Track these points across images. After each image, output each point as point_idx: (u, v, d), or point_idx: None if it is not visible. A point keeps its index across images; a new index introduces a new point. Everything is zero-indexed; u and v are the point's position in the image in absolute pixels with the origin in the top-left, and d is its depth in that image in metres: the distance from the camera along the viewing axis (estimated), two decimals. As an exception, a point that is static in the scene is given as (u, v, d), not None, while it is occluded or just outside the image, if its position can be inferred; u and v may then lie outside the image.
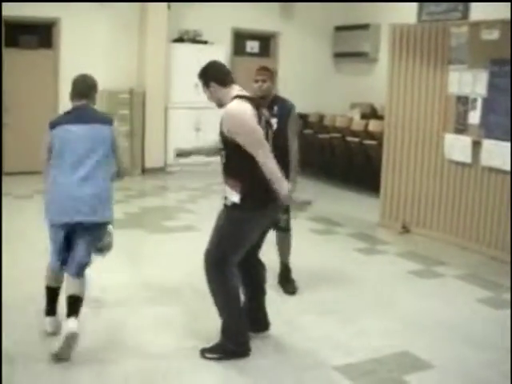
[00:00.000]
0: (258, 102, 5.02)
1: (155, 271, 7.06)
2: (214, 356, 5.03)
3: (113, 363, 4.90)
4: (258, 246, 5.32)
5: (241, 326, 5.07)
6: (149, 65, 12.86)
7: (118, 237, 8.19)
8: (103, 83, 12.21)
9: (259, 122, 4.84)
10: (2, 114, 12.06)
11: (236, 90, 5.00)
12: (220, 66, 5.16)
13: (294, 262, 7.08)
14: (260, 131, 4.80)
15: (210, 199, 10.66)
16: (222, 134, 4.85)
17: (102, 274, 6.46)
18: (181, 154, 13.24)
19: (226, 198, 4.96)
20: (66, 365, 4.76)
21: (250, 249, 5.12)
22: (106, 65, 12.54)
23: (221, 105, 4.97)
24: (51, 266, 5.19)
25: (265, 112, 5.05)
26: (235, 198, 4.86)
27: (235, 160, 4.86)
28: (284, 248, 6.73)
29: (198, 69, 5.13)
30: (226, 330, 5.06)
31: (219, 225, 5.03)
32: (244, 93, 5.00)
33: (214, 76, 5.00)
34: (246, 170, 4.83)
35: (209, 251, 5.05)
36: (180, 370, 4.87)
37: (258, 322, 5.46)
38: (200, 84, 5.07)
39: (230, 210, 4.93)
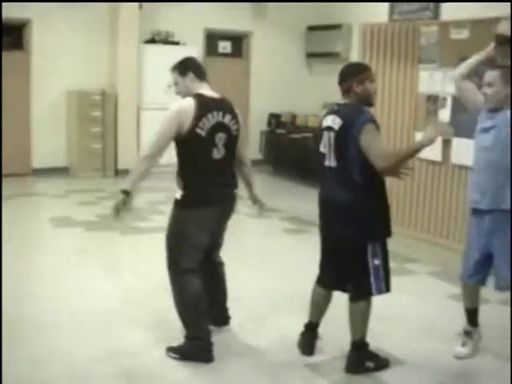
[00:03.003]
0: (217, 103, 5.00)
1: (128, 273, 7.06)
2: (175, 356, 5.04)
3: (95, 362, 4.91)
4: (216, 245, 5.35)
5: (201, 333, 5.04)
6: (121, 66, 12.82)
7: (92, 239, 8.27)
8: (74, 85, 12.34)
9: (196, 123, 4.81)
10: (1, 116, 12.08)
11: (205, 88, 5.03)
12: (199, 61, 5.22)
13: (268, 261, 7.11)
14: (167, 135, 4.85)
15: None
16: None
17: (76, 277, 6.48)
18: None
19: (176, 199, 5.04)
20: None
21: (207, 248, 5.15)
22: (77, 66, 12.50)
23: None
24: None
25: (224, 116, 5.00)
26: (178, 194, 4.94)
27: (178, 156, 4.96)
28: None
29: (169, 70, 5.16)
30: (187, 336, 5.07)
31: (167, 228, 5.09)
32: (209, 92, 5.01)
33: (194, 66, 5.06)
34: (186, 167, 4.92)
35: (167, 262, 5.09)
36: (151, 368, 4.88)
37: (220, 317, 5.53)
38: (173, 76, 5.07)
39: (174, 206, 5.02)
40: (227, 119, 5.00)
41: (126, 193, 4.90)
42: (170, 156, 5.09)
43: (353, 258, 4.85)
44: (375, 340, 5.13)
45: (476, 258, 5.09)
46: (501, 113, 4.96)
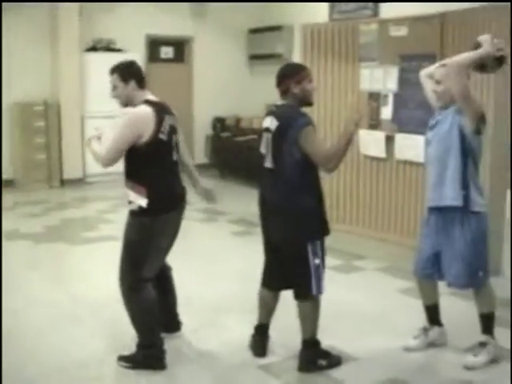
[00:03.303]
0: (164, 108, 5.01)
1: (78, 284, 7.01)
2: (127, 365, 5.00)
3: (43, 376, 4.87)
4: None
5: (155, 341, 5.02)
6: (62, 75, 12.71)
7: (39, 251, 8.19)
8: (16, 96, 12.21)
9: (159, 128, 4.81)
10: (1, 118, 12.04)
11: (148, 94, 5.01)
12: (141, 68, 5.14)
13: (217, 265, 7.11)
14: (126, 140, 4.75)
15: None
16: None
17: (26, 289, 6.42)
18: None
19: (130, 202, 4.91)
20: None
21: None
22: (18, 76, 12.36)
23: (126, 104, 4.95)
24: None
25: (172, 119, 5.02)
26: (142, 202, 4.82)
27: (138, 163, 4.86)
28: None
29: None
30: (139, 344, 5.04)
31: (127, 238, 4.96)
32: (153, 99, 5.00)
33: (136, 74, 4.99)
34: (151, 173, 4.84)
35: (121, 273, 5.00)
36: (104, 379, 4.87)
37: (171, 323, 5.53)
38: (113, 80, 4.99)
39: (136, 215, 4.89)
40: (174, 122, 5.04)
41: None
42: (116, 165, 5.04)
43: (294, 258, 4.89)
44: (327, 338, 5.16)
45: (428, 254, 5.15)
46: (448, 109, 4.98)
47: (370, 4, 11.90)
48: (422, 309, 5.60)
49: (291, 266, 4.93)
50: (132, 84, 4.95)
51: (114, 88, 5.01)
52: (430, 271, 5.17)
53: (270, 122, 4.87)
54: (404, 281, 7.05)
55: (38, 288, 6.78)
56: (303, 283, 4.89)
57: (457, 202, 4.88)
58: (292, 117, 4.78)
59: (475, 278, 4.99)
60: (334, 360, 5.08)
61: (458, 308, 6.04)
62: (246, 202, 11.04)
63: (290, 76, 4.89)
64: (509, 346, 5.35)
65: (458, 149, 4.86)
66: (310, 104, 4.96)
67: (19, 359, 5.13)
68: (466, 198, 4.87)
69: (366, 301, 6.49)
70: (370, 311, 6.20)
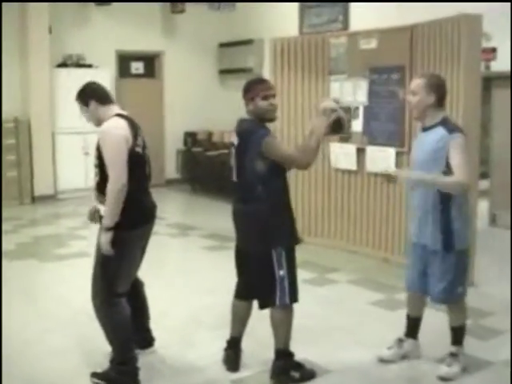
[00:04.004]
0: (134, 122, 4.99)
1: (50, 301, 6.95)
2: (100, 382, 4.94)
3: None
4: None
5: (129, 357, 4.97)
6: (33, 91, 12.65)
7: (10, 269, 8.12)
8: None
9: (135, 142, 4.83)
10: (1, 122, 12.01)
11: (116, 109, 5.00)
12: (98, 85, 5.10)
13: (190, 280, 7.08)
14: (123, 154, 4.71)
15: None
16: (97, 149, 4.82)
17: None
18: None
19: (101, 217, 4.85)
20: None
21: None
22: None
23: (100, 124, 4.92)
24: None
25: (142, 133, 5.01)
26: None
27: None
28: None
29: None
30: (113, 360, 4.99)
31: (100, 254, 4.85)
32: (124, 112, 5.00)
33: (93, 94, 4.97)
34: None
35: (94, 289, 4.96)
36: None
37: (144, 339, 5.48)
38: (79, 106, 5.00)
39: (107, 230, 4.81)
40: (143, 137, 5.03)
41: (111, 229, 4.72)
42: (86, 180, 5.01)
43: (259, 269, 4.91)
44: (300, 351, 5.15)
45: (415, 273, 5.18)
46: (431, 131, 4.94)
47: (340, 17, 11.98)
48: (394, 320, 5.61)
49: (256, 277, 4.96)
50: (93, 104, 4.94)
51: (82, 113, 5.06)
52: (418, 287, 5.18)
53: (234, 137, 4.93)
54: (375, 293, 7.08)
55: (6, 305, 6.70)
56: (267, 293, 4.89)
57: (435, 246, 4.93)
58: (250, 131, 4.82)
59: (454, 293, 5.03)
60: (307, 373, 5.06)
61: (429, 319, 6.05)
62: (217, 216, 11.04)
63: (245, 92, 4.96)
64: (479, 355, 5.39)
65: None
66: (269, 120, 4.96)
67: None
68: (446, 241, 4.90)
69: (337, 313, 6.49)
70: (341, 323, 6.20)
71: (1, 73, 12.21)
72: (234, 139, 4.93)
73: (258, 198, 4.80)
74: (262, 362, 5.21)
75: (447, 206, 4.85)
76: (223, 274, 7.86)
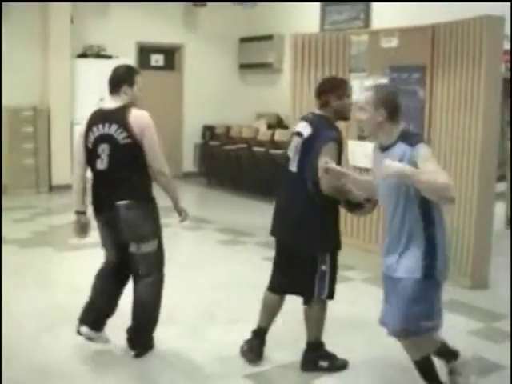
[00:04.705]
0: (106, 114, 5.16)
1: (64, 289, 6.97)
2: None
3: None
4: (127, 258, 5.30)
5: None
6: (52, 81, 12.69)
7: (26, 257, 8.16)
8: (5, 101, 12.15)
9: (86, 137, 5.16)
10: (1, 121, 12.09)
11: (107, 100, 5.31)
12: (112, 74, 5.31)
13: (203, 273, 7.09)
14: (75, 147, 5.29)
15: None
16: None
17: (11, 295, 6.38)
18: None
19: None
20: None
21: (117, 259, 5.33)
22: (7, 81, 12.31)
23: None
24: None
25: (110, 126, 5.09)
26: None
27: None
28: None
29: (102, 84, 5.17)
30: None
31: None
32: (108, 104, 5.25)
33: (108, 82, 5.29)
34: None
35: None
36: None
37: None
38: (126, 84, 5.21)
39: None
40: (112, 129, 5.04)
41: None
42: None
43: (303, 266, 5.00)
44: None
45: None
46: (391, 150, 4.25)
47: (362, 15, 11.95)
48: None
49: (298, 272, 5.04)
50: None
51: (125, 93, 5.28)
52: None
53: (304, 128, 4.97)
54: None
55: (21, 294, 6.73)
56: (308, 287, 5.00)
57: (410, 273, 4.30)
58: (323, 128, 4.91)
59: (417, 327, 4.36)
60: (337, 363, 5.18)
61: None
62: (232, 210, 11.06)
63: (332, 90, 5.03)
64: (491, 358, 5.37)
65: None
66: (346, 119, 5.16)
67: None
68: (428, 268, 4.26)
69: (352, 311, 6.48)
70: (355, 321, 6.19)
71: (0, 63, 12.22)
72: (303, 129, 4.97)
73: (309, 196, 4.86)
74: (276, 358, 5.23)
75: (429, 223, 4.20)
76: (237, 268, 7.94)
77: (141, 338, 5.29)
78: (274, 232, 5.26)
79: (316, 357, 5.13)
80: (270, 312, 5.29)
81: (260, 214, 11.07)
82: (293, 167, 4.98)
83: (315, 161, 4.77)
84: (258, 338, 5.30)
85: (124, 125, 5.01)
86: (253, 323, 5.97)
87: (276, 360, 5.23)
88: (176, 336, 5.67)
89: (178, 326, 5.90)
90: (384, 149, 4.30)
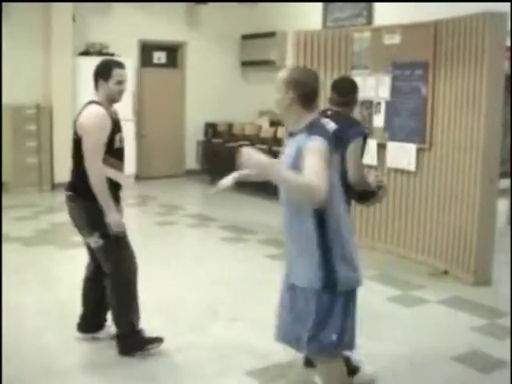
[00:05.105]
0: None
1: (66, 287, 6.98)
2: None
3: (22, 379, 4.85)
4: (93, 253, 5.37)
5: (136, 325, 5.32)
6: (55, 79, 12.70)
7: (29, 255, 8.16)
8: (8, 99, 12.16)
9: None
10: (1, 119, 12.14)
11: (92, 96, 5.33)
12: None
13: (206, 270, 7.08)
14: None
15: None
16: None
17: (13, 293, 6.39)
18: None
19: None
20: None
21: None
22: (10, 80, 12.33)
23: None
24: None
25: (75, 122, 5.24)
26: None
27: None
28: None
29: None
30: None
31: None
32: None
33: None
34: None
35: None
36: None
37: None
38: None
39: None
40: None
41: None
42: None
43: None
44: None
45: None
46: (295, 138, 3.89)
47: (364, 12, 11.94)
48: (408, 316, 5.60)
49: None
50: None
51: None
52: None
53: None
54: (392, 289, 7.07)
55: (24, 291, 6.74)
56: None
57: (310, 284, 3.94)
58: (351, 124, 5.22)
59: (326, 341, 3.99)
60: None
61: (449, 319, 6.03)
62: (236, 208, 11.06)
63: (356, 91, 5.44)
64: (495, 355, 5.36)
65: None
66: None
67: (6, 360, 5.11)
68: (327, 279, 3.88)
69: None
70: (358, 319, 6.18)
71: (0, 62, 12.22)
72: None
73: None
74: (277, 356, 5.22)
75: (323, 232, 3.82)
76: (239, 265, 7.94)
77: (118, 338, 5.27)
78: None
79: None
80: None
81: (263, 212, 11.10)
82: None
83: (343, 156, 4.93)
84: None
85: (76, 121, 5.17)
86: (255, 320, 6.00)
87: (278, 357, 5.22)
88: (179, 332, 5.67)
89: (181, 322, 5.90)
90: (291, 135, 3.95)
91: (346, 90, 5.39)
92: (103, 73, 5.14)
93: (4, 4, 11.81)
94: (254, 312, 6.26)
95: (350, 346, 4.06)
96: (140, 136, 13.84)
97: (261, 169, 3.64)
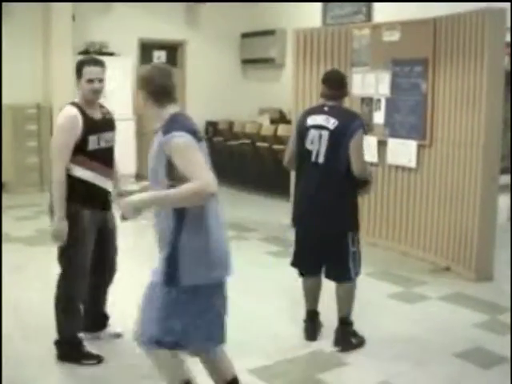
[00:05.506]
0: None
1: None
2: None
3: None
4: None
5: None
6: (55, 78, 12.66)
7: (30, 255, 8.16)
8: (8, 99, 12.15)
9: None
10: (1, 118, 12.11)
11: None
12: None
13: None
14: None
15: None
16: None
17: (15, 293, 6.39)
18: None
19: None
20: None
21: None
22: (10, 79, 12.32)
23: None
24: None
25: None
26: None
27: None
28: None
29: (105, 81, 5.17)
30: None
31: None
32: None
33: None
34: None
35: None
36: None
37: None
38: (102, 69, 5.18)
39: None
40: None
41: None
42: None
43: (335, 246, 5.30)
44: (317, 343, 5.15)
45: None
46: (157, 136, 3.86)
47: (364, 9, 11.94)
48: (409, 313, 5.61)
49: (331, 254, 5.36)
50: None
51: (102, 81, 5.16)
52: None
53: (326, 120, 5.22)
54: (393, 285, 7.07)
55: (25, 291, 6.74)
56: (343, 268, 5.32)
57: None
58: (351, 118, 5.34)
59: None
60: (360, 339, 5.47)
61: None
62: (236, 206, 11.05)
63: (346, 83, 5.62)
64: (495, 350, 5.38)
65: None
66: None
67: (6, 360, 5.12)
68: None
69: (355, 305, 6.48)
70: (358, 316, 6.17)
71: (0, 62, 12.21)
72: (326, 122, 5.22)
73: (340, 182, 5.20)
74: (278, 354, 5.24)
75: (180, 229, 3.78)
76: (241, 263, 7.90)
77: (58, 343, 5.20)
78: (302, 221, 5.46)
79: (348, 333, 5.42)
80: (312, 295, 5.58)
81: (264, 210, 11.11)
82: (319, 159, 5.20)
83: (347, 150, 5.10)
84: (310, 319, 5.59)
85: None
86: (257, 318, 6.01)
87: (279, 355, 5.23)
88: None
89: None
90: (155, 133, 3.89)
91: (338, 83, 5.47)
92: (76, 71, 5.08)
93: (4, 4, 11.80)
94: (255, 309, 6.26)
95: (188, 344, 4.00)
96: (140, 134, 13.83)
97: (127, 211, 3.71)
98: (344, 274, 5.34)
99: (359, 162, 5.17)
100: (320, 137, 5.19)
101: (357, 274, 5.40)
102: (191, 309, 3.87)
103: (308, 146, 5.25)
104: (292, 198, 5.70)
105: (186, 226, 3.76)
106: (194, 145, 3.74)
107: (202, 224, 3.81)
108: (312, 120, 5.30)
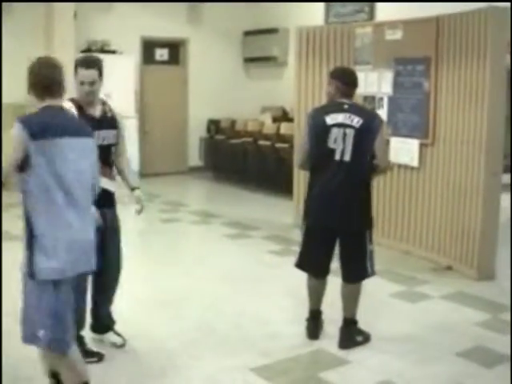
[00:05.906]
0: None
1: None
2: None
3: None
4: None
5: None
6: (57, 76, 12.66)
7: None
8: (10, 97, 12.14)
9: None
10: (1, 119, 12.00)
11: None
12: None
13: (210, 268, 7.07)
14: None
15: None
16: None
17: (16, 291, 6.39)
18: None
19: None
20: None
21: None
22: (12, 78, 12.28)
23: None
24: None
25: None
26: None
27: None
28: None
29: (107, 79, 5.15)
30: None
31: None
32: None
33: None
34: None
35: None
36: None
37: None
38: (93, 71, 5.20)
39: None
40: None
41: None
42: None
43: (354, 244, 5.31)
44: (319, 341, 5.15)
45: None
46: None
47: (366, 8, 11.94)
48: (411, 312, 5.61)
49: (349, 252, 5.34)
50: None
51: (95, 83, 5.14)
52: None
53: (349, 119, 5.19)
54: (396, 284, 7.06)
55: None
56: (361, 267, 5.33)
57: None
58: (373, 115, 5.53)
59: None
60: (366, 336, 5.48)
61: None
62: (239, 204, 11.06)
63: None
64: (497, 349, 5.37)
65: None
66: None
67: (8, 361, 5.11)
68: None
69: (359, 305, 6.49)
70: (362, 315, 6.17)
71: (0, 61, 12.20)
72: (349, 120, 5.19)
73: (362, 180, 5.25)
74: (280, 352, 5.23)
75: (29, 222, 4.12)
76: (243, 261, 7.93)
77: None
78: (323, 220, 5.33)
79: (354, 332, 5.41)
80: (317, 296, 5.53)
81: (266, 208, 11.11)
82: (345, 157, 5.16)
83: (372, 146, 5.16)
84: (313, 318, 5.55)
85: None
86: (259, 316, 6.00)
87: (282, 353, 5.23)
88: (182, 329, 5.67)
89: (185, 318, 5.90)
90: None
91: (354, 80, 5.43)
92: (74, 69, 5.16)
93: (6, 3, 11.79)
94: (258, 308, 6.25)
95: (62, 343, 3.97)
96: (143, 133, 13.83)
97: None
98: (362, 273, 5.35)
99: (385, 156, 5.48)
100: (344, 135, 5.15)
101: (373, 272, 5.41)
102: (46, 304, 3.99)
103: (331, 145, 5.18)
104: (305, 197, 5.55)
105: (34, 222, 4.05)
106: (18, 137, 3.92)
107: (39, 221, 4.02)
108: (332, 119, 5.21)
